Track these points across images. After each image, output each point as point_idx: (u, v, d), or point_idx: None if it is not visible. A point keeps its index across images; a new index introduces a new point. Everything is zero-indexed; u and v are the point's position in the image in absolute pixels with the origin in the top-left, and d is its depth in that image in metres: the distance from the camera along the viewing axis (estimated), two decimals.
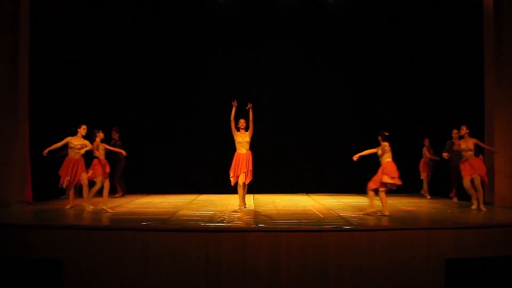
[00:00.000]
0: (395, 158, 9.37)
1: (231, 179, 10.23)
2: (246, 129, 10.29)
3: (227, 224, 8.32)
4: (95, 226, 8.11)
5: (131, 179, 13.86)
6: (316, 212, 9.90)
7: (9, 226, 8.16)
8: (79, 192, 10.55)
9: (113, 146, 11.17)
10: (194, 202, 11.81)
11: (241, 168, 10.14)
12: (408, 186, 13.61)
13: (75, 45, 13.65)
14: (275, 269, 7.62)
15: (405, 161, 13.73)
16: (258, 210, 10.26)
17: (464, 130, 10.20)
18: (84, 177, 9.99)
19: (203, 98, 14.41)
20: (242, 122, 10.25)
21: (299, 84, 14.53)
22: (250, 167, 10.19)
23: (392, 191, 11.31)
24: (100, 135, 10.20)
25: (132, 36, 14.27)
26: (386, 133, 9.41)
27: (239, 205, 10.29)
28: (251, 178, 10.29)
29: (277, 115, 14.26)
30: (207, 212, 9.86)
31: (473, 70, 11.67)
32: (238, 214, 9.60)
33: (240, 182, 10.15)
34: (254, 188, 11.78)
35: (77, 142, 10.01)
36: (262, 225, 8.19)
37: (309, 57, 14.51)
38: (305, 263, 7.62)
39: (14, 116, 10.88)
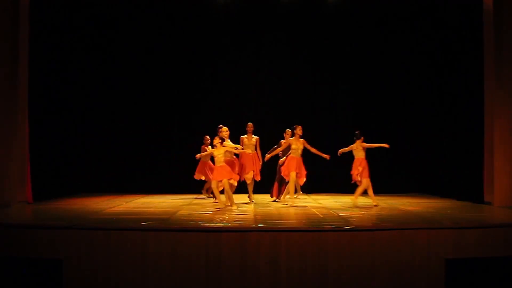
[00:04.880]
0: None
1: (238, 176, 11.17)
2: (254, 133, 11.43)
3: (227, 224, 8.32)
4: (95, 226, 8.10)
5: (131, 179, 13.89)
6: (316, 212, 9.90)
7: (9, 226, 8.16)
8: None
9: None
10: (194, 202, 11.81)
11: (247, 167, 11.21)
12: (408, 186, 13.79)
13: (76, 44, 13.64)
14: (275, 269, 7.63)
15: (405, 161, 13.86)
16: (258, 210, 10.26)
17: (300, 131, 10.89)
18: None
19: (202, 98, 14.40)
20: (250, 126, 11.43)
21: (299, 84, 14.51)
22: (259, 167, 11.36)
23: (392, 191, 11.40)
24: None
25: (132, 35, 14.26)
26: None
27: (250, 199, 11.49)
28: (259, 177, 11.45)
29: (276, 115, 14.24)
30: (207, 212, 9.86)
31: (472, 71, 11.66)
32: (243, 208, 10.33)
33: (248, 180, 11.28)
34: (254, 188, 11.78)
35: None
36: (262, 225, 8.20)
37: (309, 57, 14.50)
38: (305, 263, 7.63)
39: (14, 116, 10.89)
